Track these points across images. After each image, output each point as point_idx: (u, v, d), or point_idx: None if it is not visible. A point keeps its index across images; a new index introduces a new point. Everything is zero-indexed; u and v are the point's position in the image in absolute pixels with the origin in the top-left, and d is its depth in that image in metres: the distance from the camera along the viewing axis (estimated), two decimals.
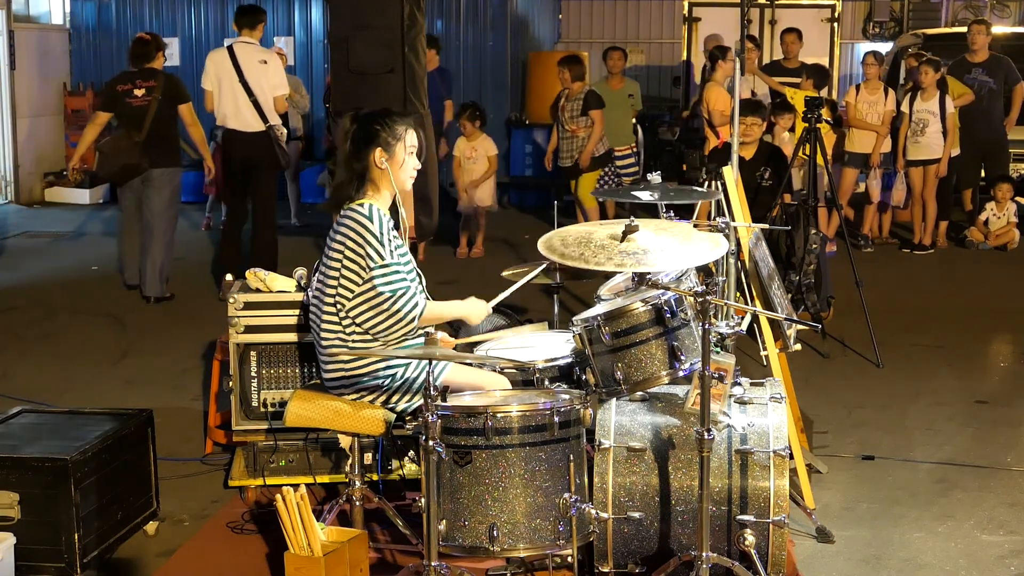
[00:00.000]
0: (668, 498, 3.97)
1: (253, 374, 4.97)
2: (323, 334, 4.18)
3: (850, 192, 10.85)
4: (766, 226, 5.80)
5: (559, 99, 10.41)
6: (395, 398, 4.19)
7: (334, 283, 4.15)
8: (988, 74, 10.93)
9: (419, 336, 4.17)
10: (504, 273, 5.12)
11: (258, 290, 4.98)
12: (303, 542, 3.95)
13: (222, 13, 14.42)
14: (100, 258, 10.44)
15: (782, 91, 10.36)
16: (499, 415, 3.70)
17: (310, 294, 4.37)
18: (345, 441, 4.33)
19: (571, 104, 10.14)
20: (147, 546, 4.61)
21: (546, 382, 4.21)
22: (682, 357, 4.06)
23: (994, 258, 10.66)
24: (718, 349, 4.38)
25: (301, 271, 5.08)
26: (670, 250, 4.07)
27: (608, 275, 4.76)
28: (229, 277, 5.25)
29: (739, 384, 4.21)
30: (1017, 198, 11.29)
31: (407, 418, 4.14)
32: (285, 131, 8.92)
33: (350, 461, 4.32)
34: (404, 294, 4.09)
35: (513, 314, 5.66)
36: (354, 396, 4.20)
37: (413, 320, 4.12)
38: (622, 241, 4.07)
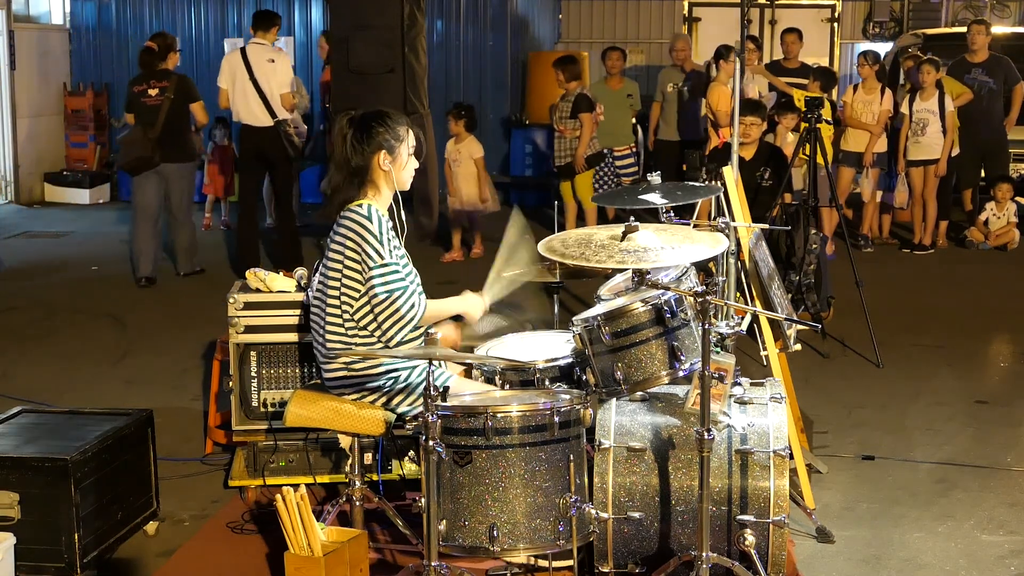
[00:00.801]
0: (668, 498, 3.97)
1: (253, 374, 4.97)
2: (327, 335, 4.18)
3: (847, 191, 10.84)
4: (766, 226, 5.80)
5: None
6: (396, 400, 4.18)
7: (336, 284, 4.15)
8: (988, 74, 10.92)
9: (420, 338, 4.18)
10: (504, 273, 5.10)
11: (258, 290, 4.98)
12: (303, 542, 3.95)
13: (222, 13, 14.41)
14: (100, 258, 10.44)
15: (790, 92, 10.35)
16: (499, 415, 3.70)
17: (310, 294, 4.37)
18: (345, 441, 4.33)
19: (563, 104, 10.14)
20: (147, 546, 4.61)
21: (546, 382, 4.21)
22: (682, 357, 4.06)
23: (994, 258, 10.66)
24: (718, 349, 4.37)
25: (301, 271, 5.09)
26: (670, 248, 4.07)
27: (608, 275, 4.75)
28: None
29: (739, 384, 4.21)
30: (1017, 198, 11.28)
31: (407, 418, 4.15)
32: (306, 127, 9.60)
33: (350, 461, 4.32)
34: (402, 294, 4.09)
35: (513, 314, 5.64)
36: (355, 396, 4.20)
37: (413, 320, 4.12)
38: (622, 240, 4.07)
